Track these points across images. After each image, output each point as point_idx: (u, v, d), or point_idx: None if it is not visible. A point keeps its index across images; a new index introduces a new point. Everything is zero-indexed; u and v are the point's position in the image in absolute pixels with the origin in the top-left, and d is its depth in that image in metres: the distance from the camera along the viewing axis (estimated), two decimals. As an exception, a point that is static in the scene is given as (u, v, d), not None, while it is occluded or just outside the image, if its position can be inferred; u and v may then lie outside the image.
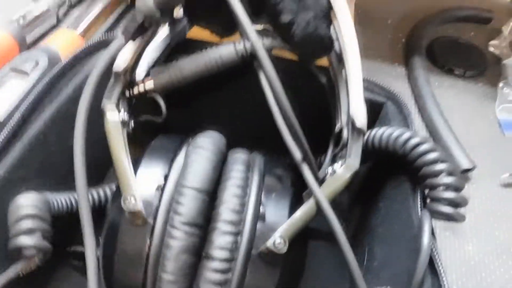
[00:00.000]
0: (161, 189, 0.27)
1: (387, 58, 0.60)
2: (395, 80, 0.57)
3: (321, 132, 0.34)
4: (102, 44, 0.37)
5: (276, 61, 0.27)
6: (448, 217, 0.26)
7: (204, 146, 0.29)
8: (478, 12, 0.67)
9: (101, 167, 0.33)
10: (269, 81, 0.26)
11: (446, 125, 0.49)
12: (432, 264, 0.26)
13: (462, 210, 0.26)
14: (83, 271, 0.27)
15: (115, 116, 0.29)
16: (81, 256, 0.27)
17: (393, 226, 0.30)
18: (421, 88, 0.54)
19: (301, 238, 0.27)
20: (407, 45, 0.62)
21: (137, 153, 0.30)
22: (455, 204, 0.26)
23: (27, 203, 0.27)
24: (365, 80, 0.36)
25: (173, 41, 0.35)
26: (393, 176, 0.32)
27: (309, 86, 0.35)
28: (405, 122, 0.33)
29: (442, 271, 0.25)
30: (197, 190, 0.26)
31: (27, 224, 0.26)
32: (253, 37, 0.27)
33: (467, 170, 0.46)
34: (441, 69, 0.59)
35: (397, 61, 0.60)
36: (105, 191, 0.34)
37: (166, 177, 0.28)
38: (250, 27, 0.27)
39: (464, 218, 0.26)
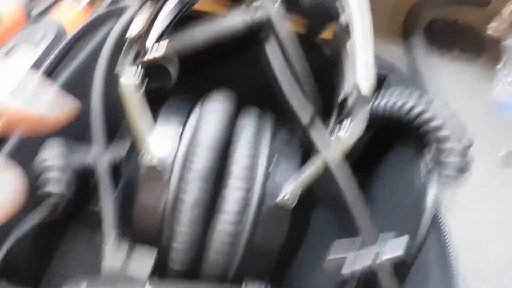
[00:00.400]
0: (176, 147, 0.28)
1: (385, 37, 0.61)
2: (394, 59, 0.58)
3: (324, 102, 0.35)
4: (111, 14, 0.38)
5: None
6: (453, 181, 0.27)
7: (216, 107, 0.30)
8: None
9: (110, 131, 0.34)
10: (284, 44, 0.27)
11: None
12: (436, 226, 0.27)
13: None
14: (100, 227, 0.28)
15: (130, 80, 0.30)
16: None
17: (394, 193, 0.32)
18: (419, 68, 0.55)
19: (308, 197, 0.28)
20: (405, 25, 0.63)
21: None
22: (461, 169, 0.27)
23: (52, 155, 0.28)
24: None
25: (183, 10, 0.36)
26: (395, 144, 0.33)
27: (314, 58, 0.36)
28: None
29: (444, 229, 0.27)
30: (209, 148, 0.28)
31: (53, 174, 0.27)
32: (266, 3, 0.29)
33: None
34: (439, 49, 0.60)
35: (395, 41, 0.61)
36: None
37: (180, 136, 0.29)
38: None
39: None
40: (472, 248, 0.41)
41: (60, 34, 0.48)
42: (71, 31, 0.49)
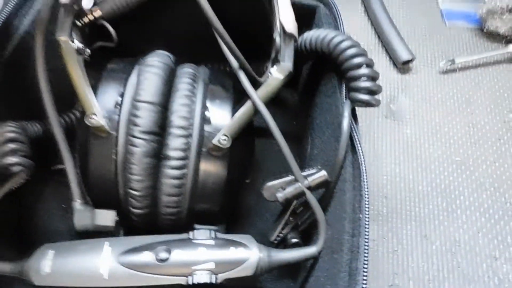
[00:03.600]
0: (119, 105, 0.31)
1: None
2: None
3: (266, 40, 0.37)
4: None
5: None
6: (367, 103, 0.31)
7: (154, 64, 0.32)
8: None
9: (68, 95, 0.36)
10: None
11: (389, 21, 0.53)
12: (354, 147, 0.31)
13: (377, 96, 0.31)
14: (66, 183, 0.32)
15: (69, 45, 0.32)
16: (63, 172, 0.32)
17: (325, 117, 0.35)
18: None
19: (245, 135, 0.31)
20: None
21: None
22: (371, 91, 0.30)
23: (6, 129, 0.31)
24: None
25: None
26: (325, 74, 0.36)
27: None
28: (336, 24, 0.37)
29: (360, 151, 0.30)
30: (151, 103, 0.30)
31: (9, 146, 0.30)
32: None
33: (407, 62, 0.50)
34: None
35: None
36: (75, 114, 0.38)
37: (122, 95, 0.31)
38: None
39: (379, 103, 0.31)
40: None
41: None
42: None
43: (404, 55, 0.50)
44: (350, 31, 0.49)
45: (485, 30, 0.54)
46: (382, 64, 0.51)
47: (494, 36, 0.54)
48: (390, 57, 0.52)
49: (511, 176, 0.44)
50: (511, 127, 0.47)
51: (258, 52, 0.36)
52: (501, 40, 0.54)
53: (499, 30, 0.52)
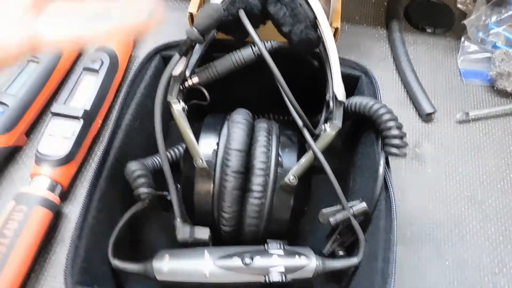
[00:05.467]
0: (216, 152, 0.43)
1: (371, 22, 0.73)
2: (378, 42, 0.71)
3: (319, 99, 0.49)
4: (157, 53, 0.52)
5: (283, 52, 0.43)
6: (396, 155, 0.42)
7: (239, 120, 0.44)
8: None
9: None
10: (274, 74, 0.41)
11: (415, 78, 0.64)
12: (387, 186, 0.42)
13: (404, 150, 0.42)
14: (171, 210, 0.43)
15: (178, 106, 0.44)
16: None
17: (365, 162, 0.47)
18: (397, 48, 0.68)
19: (306, 176, 0.43)
20: (387, 9, 0.74)
21: (194, 127, 0.45)
22: (400, 147, 0.42)
23: (137, 167, 0.44)
24: (346, 60, 0.51)
25: (207, 45, 0.50)
26: (365, 130, 0.48)
27: (308, 69, 0.50)
28: (374, 90, 0.48)
29: (391, 189, 0.42)
30: (238, 150, 0.42)
31: (141, 180, 0.43)
32: (259, 44, 0.42)
33: (430, 114, 0.61)
34: (415, 28, 0.72)
35: (379, 24, 0.73)
36: (175, 151, 0.51)
37: (217, 144, 0.44)
38: (256, 38, 0.42)
39: (405, 155, 0.42)
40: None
41: (113, 60, 0.62)
42: (121, 55, 0.64)
43: (427, 108, 0.61)
44: (384, 87, 0.60)
45: (495, 88, 0.64)
46: (409, 115, 0.62)
47: (503, 93, 0.64)
48: (416, 109, 0.62)
49: (511, 210, 0.55)
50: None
51: (311, 106, 0.48)
52: (509, 96, 0.64)
53: (507, 88, 0.62)
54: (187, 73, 0.47)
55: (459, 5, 0.73)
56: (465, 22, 0.67)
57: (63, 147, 0.53)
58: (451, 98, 0.64)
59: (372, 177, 0.44)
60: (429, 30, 0.71)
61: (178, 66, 0.44)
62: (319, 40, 0.45)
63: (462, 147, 0.59)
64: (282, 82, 0.42)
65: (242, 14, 0.43)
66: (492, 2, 0.67)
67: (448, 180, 0.57)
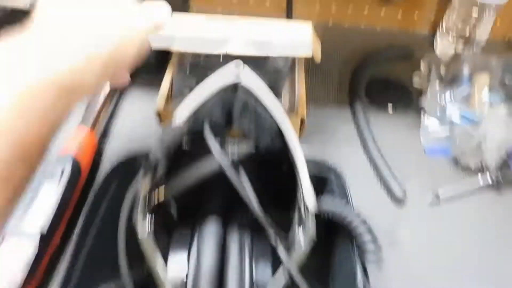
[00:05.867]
0: (185, 277, 0.41)
1: (334, 104, 0.75)
2: (343, 123, 0.71)
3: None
4: (120, 166, 0.51)
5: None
6: (371, 263, 0.42)
7: (209, 239, 0.43)
8: (400, 50, 0.81)
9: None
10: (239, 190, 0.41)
11: (382, 160, 0.64)
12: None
13: (380, 259, 0.42)
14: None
15: (144, 231, 0.42)
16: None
17: (343, 268, 0.46)
18: (362, 130, 0.69)
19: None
20: (349, 91, 0.76)
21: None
22: (374, 257, 0.42)
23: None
24: (317, 162, 0.51)
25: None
26: (340, 236, 0.47)
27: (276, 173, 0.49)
28: (343, 189, 0.48)
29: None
30: (208, 273, 0.41)
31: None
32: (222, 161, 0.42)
33: (401, 200, 0.61)
34: (377, 108, 0.74)
35: (343, 105, 0.74)
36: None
37: (187, 267, 0.42)
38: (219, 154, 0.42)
39: (382, 262, 0.42)
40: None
41: (75, 169, 0.60)
42: (83, 163, 0.62)
43: (397, 191, 0.61)
44: (352, 170, 0.59)
45: (460, 165, 0.65)
46: (381, 199, 0.62)
47: (469, 169, 0.65)
48: (388, 193, 0.62)
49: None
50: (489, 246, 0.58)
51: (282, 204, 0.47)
52: (475, 172, 0.64)
53: (470, 166, 0.64)
54: (153, 191, 0.46)
55: (415, 84, 0.76)
56: (422, 101, 0.69)
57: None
58: (420, 176, 0.64)
59: (351, 279, 0.44)
60: (389, 109, 0.73)
61: (142, 184, 0.43)
62: (286, 151, 0.45)
63: (437, 228, 0.59)
64: (252, 203, 0.41)
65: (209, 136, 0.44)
66: (444, 79, 0.70)
67: (428, 264, 0.56)
